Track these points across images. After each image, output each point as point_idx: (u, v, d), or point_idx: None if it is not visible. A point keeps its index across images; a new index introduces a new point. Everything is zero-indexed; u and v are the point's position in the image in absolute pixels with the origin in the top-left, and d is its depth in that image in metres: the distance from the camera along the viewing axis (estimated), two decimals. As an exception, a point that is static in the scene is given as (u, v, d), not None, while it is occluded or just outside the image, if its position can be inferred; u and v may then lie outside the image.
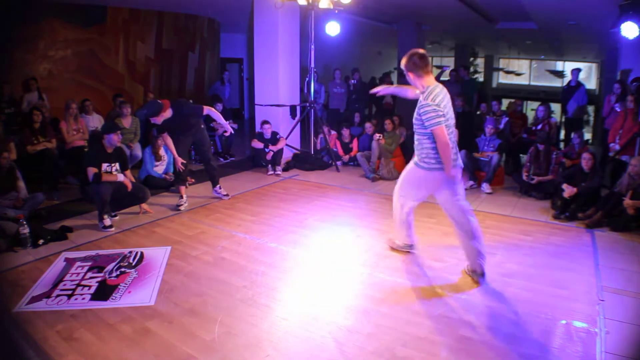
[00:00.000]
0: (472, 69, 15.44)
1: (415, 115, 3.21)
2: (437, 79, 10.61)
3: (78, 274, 3.41)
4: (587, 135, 9.88)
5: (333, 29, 7.34)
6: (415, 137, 3.31)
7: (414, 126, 3.26)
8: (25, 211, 4.26)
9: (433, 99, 3.08)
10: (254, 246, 3.96)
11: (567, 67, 18.19)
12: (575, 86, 7.55)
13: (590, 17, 7.93)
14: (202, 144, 5.22)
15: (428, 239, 4.14)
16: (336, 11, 6.78)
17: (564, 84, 17.91)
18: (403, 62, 3.18)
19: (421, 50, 3.20)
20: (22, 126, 5.73)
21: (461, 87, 9.22)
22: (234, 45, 12.35)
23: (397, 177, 6.32)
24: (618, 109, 6.02)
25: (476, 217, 3.32)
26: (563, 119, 8.42)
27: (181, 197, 5.08)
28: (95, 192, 4.30)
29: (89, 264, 3.58)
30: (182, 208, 4.99)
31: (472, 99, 8.33)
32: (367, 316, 2.82)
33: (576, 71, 7.76)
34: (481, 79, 16.90)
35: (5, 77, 6.42)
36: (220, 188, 5.42)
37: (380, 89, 3.80)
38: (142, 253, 3.77)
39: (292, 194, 5.70)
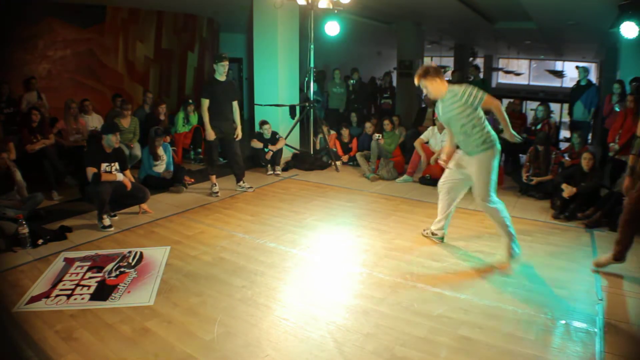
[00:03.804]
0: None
1: (456, 112, 3.50)
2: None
3: (77, 273, 3.40)
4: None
5: (332, 28, 7.34)
6: (465, 131, 3.51)
7: (463, 122, 3.49)
8: (24, 211, 4.26)
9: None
10: (253, 246, 3.96)
11: (567, 67, 18.21)
12: (585, 86, 7.14)
13: (590, 17, 7.92)
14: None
15: (427, 238, 4.14)
16: (335, 11, 6.77)
17: (564, 83, 17.84)
18: (429, 71, 3.54)
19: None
20: (21, 126, 5.73)
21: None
22: (233, 45, 12.34)
23: (396, 177, 6.42)
24: (618, 109, 6.02)
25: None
26: (567, 121, 8.23)
27: (214, 184, 5.51)
28: (95, 192, 4.30)
29: (88, 263, 3.57)
30: (219, 194, 5.48)
31: None
32: (366, 316, 2.82)
33: (582, 69, 7.28)
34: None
35: (4, 77, 6.41)
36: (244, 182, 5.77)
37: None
38: (141, 253, 3.77)
39: (292, 193, 5.70)
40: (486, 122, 3.55)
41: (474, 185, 3.66)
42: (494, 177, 3.57)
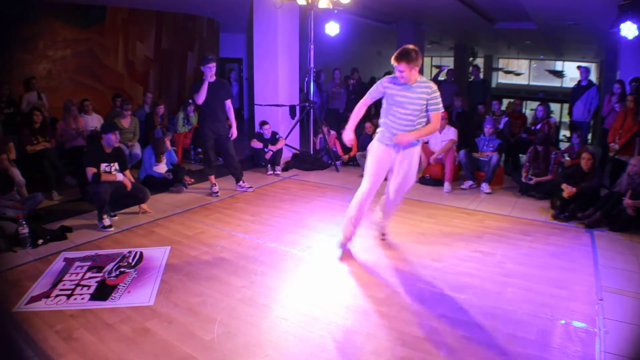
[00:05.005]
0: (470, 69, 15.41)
1: (423, 99, 3.43)
2: (435, 78, 10.64)
3: (77, 274, 3.40)
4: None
5: (332, 29, 7.34)
6: (414, 121, 3.51)
7: (417, 112, 3.47)
8: (24, 211, 4.26)
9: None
10: (253, 246, 3.96)
11: (567, 67, 18.21)
12: (585, 86, 7.07)
13: (590, 17, 7.93)
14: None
15: (427, 238, 4.15)
16: (335, 11, 6.77)
17: (564, 83, 17.81)
18: (408, 57, 3.27)
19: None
20: (21, 126, 5.73)
21: (469, 86, 9.19)
22: (233, 45, 12.35)
23: (396, 177, 6.39)
24: (618, 109, 6.02)
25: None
26: (567, 121, 8.22)
27: (213, 184, 5.54)
28: (95, 192, 4.30)
29: (88, 263, 3.57)
30: (219, 194, 5.50)
31: (484, 98, 8.21)
32: (366, 316, 2.82)
33: (584, 69, 7.17)
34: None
35: (4, 77, 6.41)
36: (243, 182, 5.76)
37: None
38: (141, 253, 3.77)
39: (292, 194, 5.70)
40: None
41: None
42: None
